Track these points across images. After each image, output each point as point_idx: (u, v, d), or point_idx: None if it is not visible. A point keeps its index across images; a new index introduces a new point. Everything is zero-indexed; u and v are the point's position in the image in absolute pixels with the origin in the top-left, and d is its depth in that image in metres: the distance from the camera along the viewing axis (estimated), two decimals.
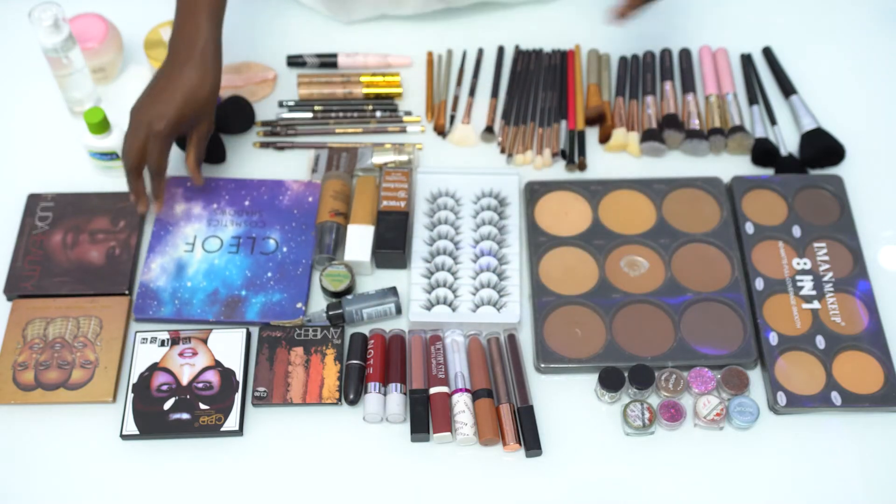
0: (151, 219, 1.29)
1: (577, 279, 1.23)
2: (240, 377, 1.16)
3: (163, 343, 1.18)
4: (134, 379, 1.16)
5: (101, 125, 1.26)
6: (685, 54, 1.42)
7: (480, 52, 1.44)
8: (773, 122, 1.37)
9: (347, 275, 1.21)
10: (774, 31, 1.46)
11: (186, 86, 1.15)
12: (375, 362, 1.16)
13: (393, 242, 1.24)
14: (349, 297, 1.21)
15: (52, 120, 1.39)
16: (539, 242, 1.26)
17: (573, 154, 1.34)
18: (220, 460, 1.13)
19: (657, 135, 1.34)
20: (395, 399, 1.14)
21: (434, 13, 1.46)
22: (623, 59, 1.43)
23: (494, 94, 1.40)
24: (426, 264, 1.24)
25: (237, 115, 1.35)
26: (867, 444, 1.13)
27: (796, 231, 1.26)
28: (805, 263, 1.23)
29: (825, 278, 1.22)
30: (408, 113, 1.39)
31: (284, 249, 1.25)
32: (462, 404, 1.13)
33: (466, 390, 1.15)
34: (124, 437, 1.13)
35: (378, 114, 1.38)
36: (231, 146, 1.36)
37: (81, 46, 1.33)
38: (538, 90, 1.40)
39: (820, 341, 1.18)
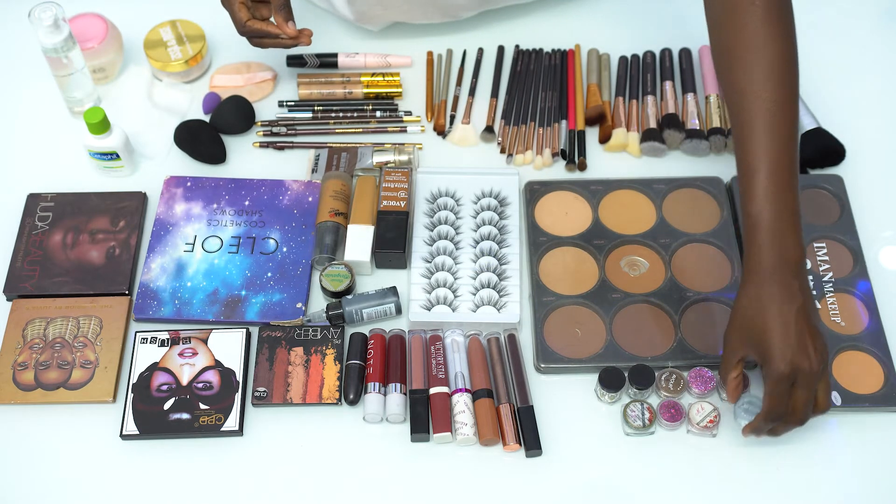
0: (151, 219, 1.29)
1: (577, 279, 1.23)
2: (240, 377, 1.16)
3: (163, 343, 1.18)
4: (134, 379, 1.16)
5: (101, 125, 1.26)
6: (685, 54, 1.42)
7: (480, 52, 1.44)
8: None
9: (347, 275, 1.21)
10: None
11: None
12: (375, 362, 1.16)
13: (393, 242, 1.24)
14: (349, 297, 1.21)
15: (52, 120, 1.39)
16: (539, 242, 1.26)
17: (573, 154, 1.34)
18: (220, 460, 1.13)
19: (657, 135, 1.34)
20: (395, 399, 1.14)
21: None
22: (623, 59, 1.43)
23: (494, 94, 1.40)
24: (426, 264, 1.24)
25: (237, 115, 1.35)
26: (867, 444, 1.13)
27: None
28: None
29: (825, 278, 1.22)
30: (408, 113, 1.39)
31: (284, 249, 1.25)
32: (462, 404, 1.13)
33: (466, 390, 1.15)
34: (124, 437, 1.13)
35: (378, 114, 1.38)
36: (231, 146, 1.36)
37: (81, 46, 1.33)
38: (538, 90, 1.40)
39: None
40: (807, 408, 1.04)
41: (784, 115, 1.04)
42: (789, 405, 1.04)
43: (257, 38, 1.24)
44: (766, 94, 1.04)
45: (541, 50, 1.44)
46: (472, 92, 1.40)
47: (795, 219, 1.04)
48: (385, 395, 1.15)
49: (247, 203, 1.29)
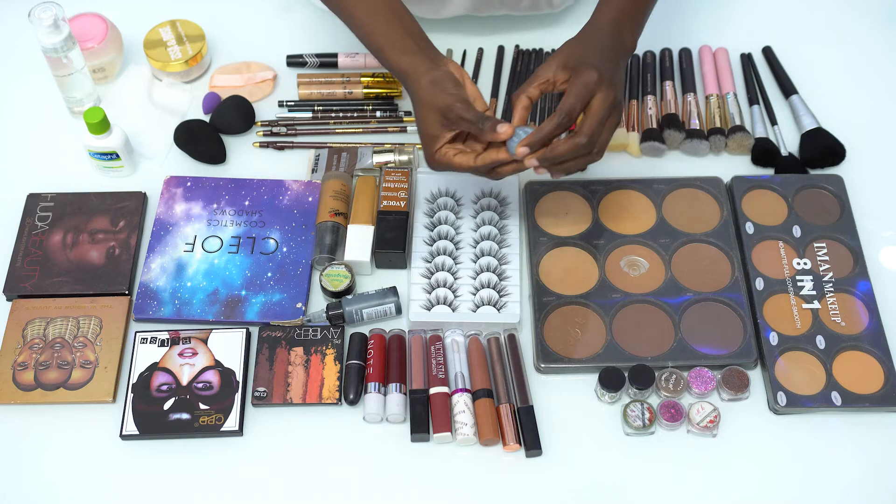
0: (151, 218, 1.29)
1: (577, 279, 1.23)
2: (240, 377, 1.16)
3: (163, 343, 1.18)
4: (134, 379, 1.16)
5: (100, 125, 1.26)
6: (685, 54, 1.42)
7: (480, 52, 1.44)
8: (773, 122, 1.37)
9: (347, 275, 1.21)
10: (774, 31, 1.46)
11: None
12: (375, 362, 1.16)
13: (393, 243, 1.23)
14: (349, 297, 1.21)
15: (52, 120, 1.39)
16: (539, 242, 1.26)
17: None
18: (220, 460, 1.13)
19: (657, 135, 1.34)
20: (395, 399, 1.14)
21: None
22: None
23: (494, 94, 1.40)
24: (426, 264, 1.24)
25: (237, 115, 1.35)
26: (867, 444, 1.13)
27: (796, 231, 1.26)
28: (805, 263, 1.23)
29: (825, 278, 1.22)
30: (408, 113, 1.39)
31: (284, 249, 1.25)
32: (462, 404, 1.13)
33: (466, 390, 1.15)
34: (124, 437, 1.13)
35: (378, 114, 1.38)
36: (231, 146, 1.36)
37: (81, 46, 1.33)
38: None
39: (820, 341, 1.18)
40: (601, 115, 1.05)
41: None
42: (585, 107, 1.06)
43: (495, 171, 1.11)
44: None
45: (541, 50, 1.44)
46: None
47: (638, 23, 1.16)
48: (385, 395, 1.15)
49: (247, 203, 1.29)
